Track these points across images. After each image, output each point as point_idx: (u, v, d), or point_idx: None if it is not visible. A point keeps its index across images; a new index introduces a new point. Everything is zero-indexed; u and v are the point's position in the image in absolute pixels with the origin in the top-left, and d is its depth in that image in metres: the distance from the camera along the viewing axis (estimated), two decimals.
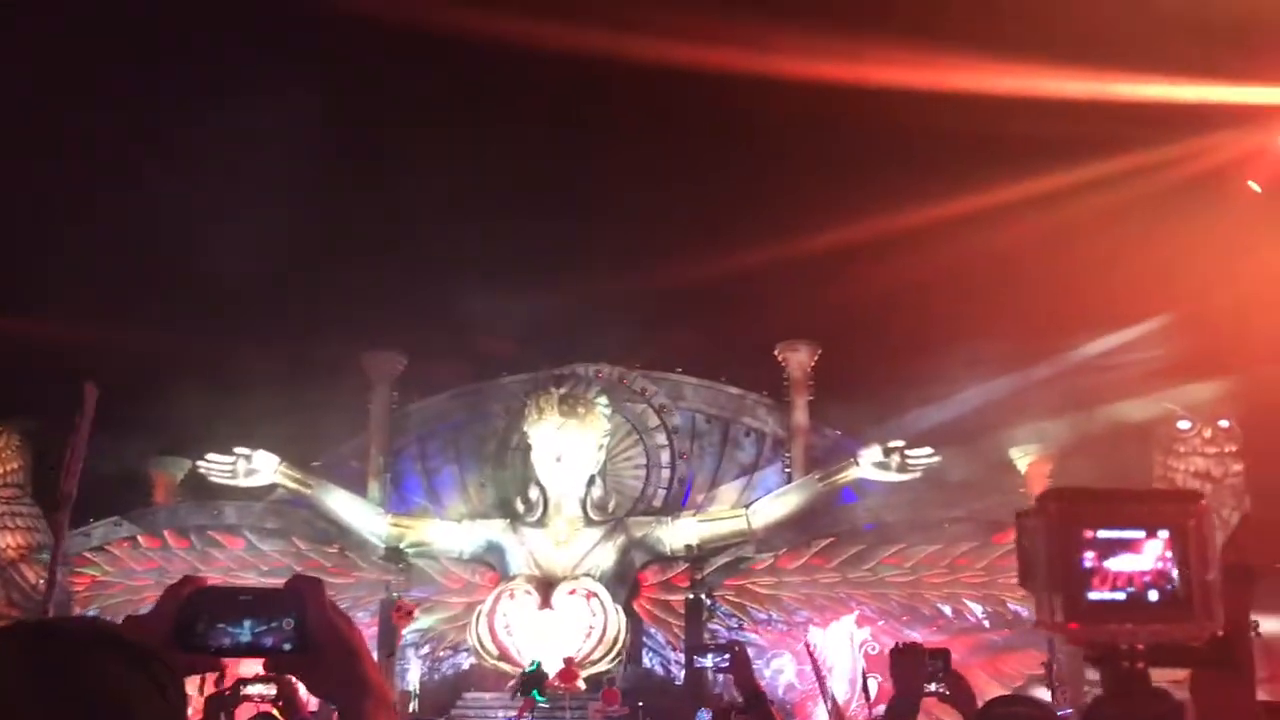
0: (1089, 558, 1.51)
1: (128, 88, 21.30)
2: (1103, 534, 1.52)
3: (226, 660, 1.50)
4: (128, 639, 1.29)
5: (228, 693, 5.28)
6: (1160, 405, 20.23)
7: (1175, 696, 1.53)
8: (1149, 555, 1.52)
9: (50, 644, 1.23)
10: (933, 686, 3.55)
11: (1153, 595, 1.51)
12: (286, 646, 1.45)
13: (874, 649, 21.29)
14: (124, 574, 22.00)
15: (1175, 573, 1.50)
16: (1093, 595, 1.51)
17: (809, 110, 19.99)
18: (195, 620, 1.45)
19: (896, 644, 3.60)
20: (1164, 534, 1.52)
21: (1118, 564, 1.52)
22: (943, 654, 3.77)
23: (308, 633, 1.45)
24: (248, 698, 5.47)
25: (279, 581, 1.55)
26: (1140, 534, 1.52)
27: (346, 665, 1.44)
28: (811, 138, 22.02)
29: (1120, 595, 1.51)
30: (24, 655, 1.20)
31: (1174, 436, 20.14)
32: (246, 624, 1.46)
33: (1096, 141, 18.45)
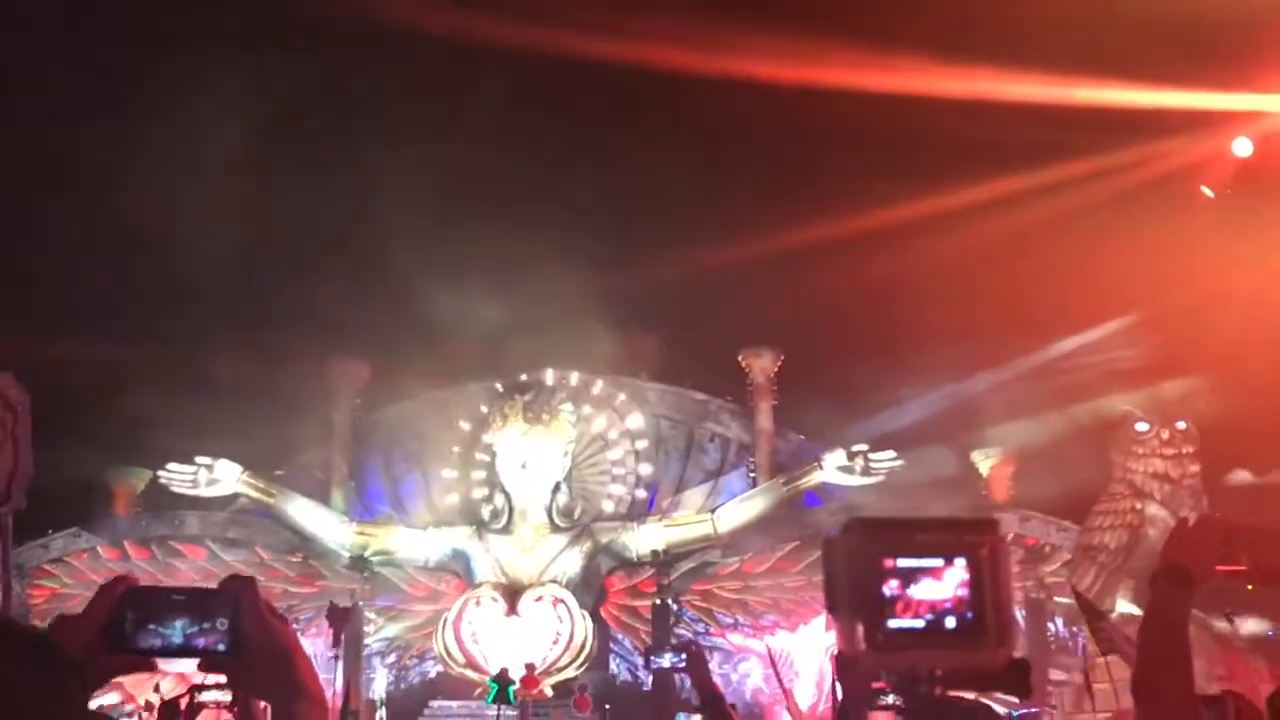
0: (891, 586, 1.55)
1: (81, 87, 21.10)
2: (903, 562, 1.57)
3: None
4: (22, 632, 1.27)
5: (182, 699, 5.24)
6: (1118, 407, 20.40)
7: (965, 702, 1.56)
8: (949, 583, 1.56)
9: None
10: (891, 699, 3.55)
11: (950, 622, 1.55)
12: (220, 647, 1.43)
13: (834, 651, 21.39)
14: (84, 586, 21.75)
15: (972, 600, 1.53)
16: (893, 623, 1.55)
17: (771, 114, 20.11)
18: (125, 621, 1.43)
19: (841, 651, 3.63)
20: (960, 562, 1.56)
21: (920, 591, 1.56)
22: None
23: (241, 633, 1.43)
24: (203, 704, 5.43)
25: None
26: (939, 562, 1.56)
27: (280, 666, 1.43)
28: (774, 141, 22.15)
29: (919, 623, 1.56)
30: None
31: (1132, 438, 20.27)
32: (178, 624, 1.43)
33: (1053, 146, 18.60)
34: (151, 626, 1.44)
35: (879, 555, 1.55)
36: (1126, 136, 18.53)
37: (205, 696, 5.17)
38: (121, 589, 1.46)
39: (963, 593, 1.55)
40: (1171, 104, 17.79)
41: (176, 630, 1.44)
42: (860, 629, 1.55)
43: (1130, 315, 20.17)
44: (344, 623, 9.54)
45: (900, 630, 1.54)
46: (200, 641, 1.45)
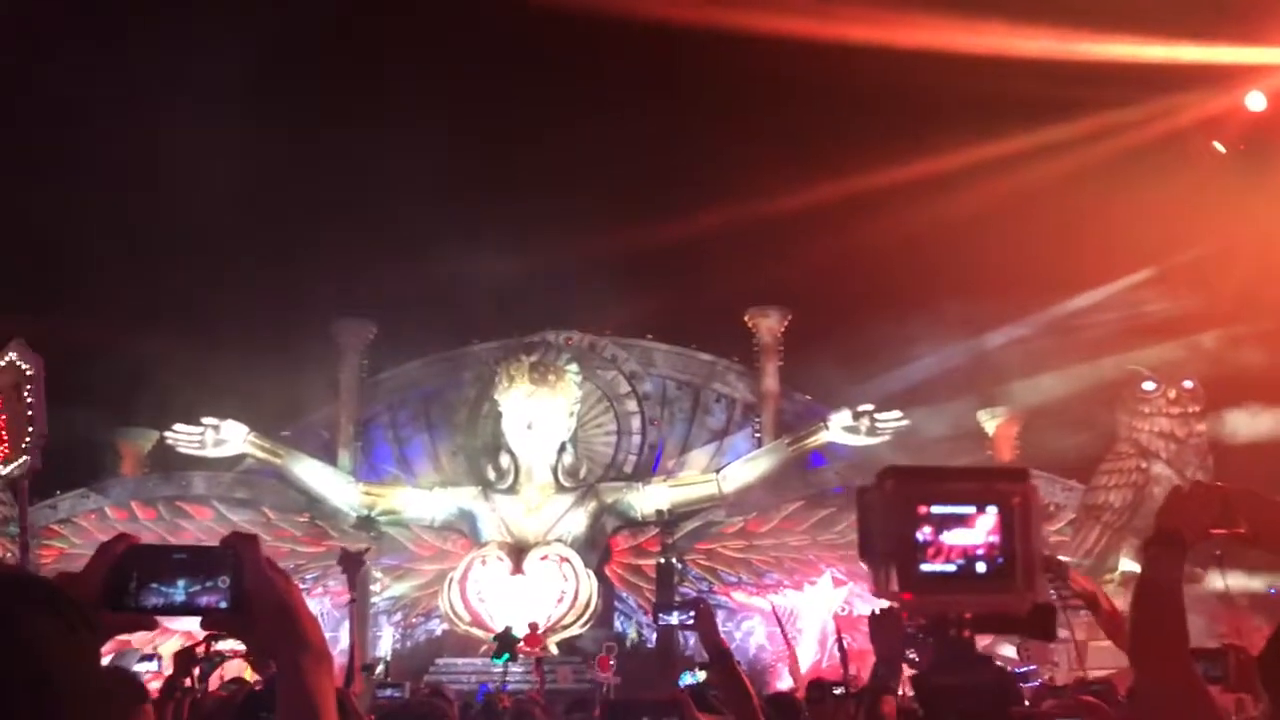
0: (924, 532, 1.55)
1: (95, 46, 20.93)
2: (936, 509, 1.57)
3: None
4: (36, 582, 1.26)
5: (198, 647, 5.28)
6: (1125, 366, 20.36)
7: (998, 664, 1.56)
8: (980, 530, 1.57)
9: None
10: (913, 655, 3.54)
11: (981, 568, 1.57)
12: (221, 604, 1.43)
13: (844, 611, 21.50)
14: (91, 546, 21.31)
15: (1003, 546, 1.53)
16: (925, 567, 1.56)
17: (777, 72, 19.91)
18: (127, 579, 1.43)
19: (874, 610, 3.62)
20: (992, 510, 1.57)
21: (952, 538, 1.57)
22: None
23: (242, 590, 1.43)
24: (219, 653, 5.49)
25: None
26: (971, 509, 1.57)
27: (283, 621, 1.43)
28: (780, 100, 21.95)
29: (951, 567, 1.57)
30: None
31: (1139, 397, 20.25)
32: (180, 583, 1.43)
33: (1061, 102, 18.42)
34: (153, 585, 1.44)
35: (913, 502, 1.56)
36: (1137, 91, 18.33)
37: (222, 645, 5.21)
38: (122, 547, 1.45)
39: (994, 539, 1.56)
40: (1183, 58, 17.57)
41: (179, 588, 1.44)
42: (894, 573, 1.56)
43: (1141, 272, 20.06)
44: (358, 567, 9.59)
45: (932, 574, 1.55)
46: (202, 599, 1.45)
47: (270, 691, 1.88)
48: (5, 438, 8.81)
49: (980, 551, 1.54)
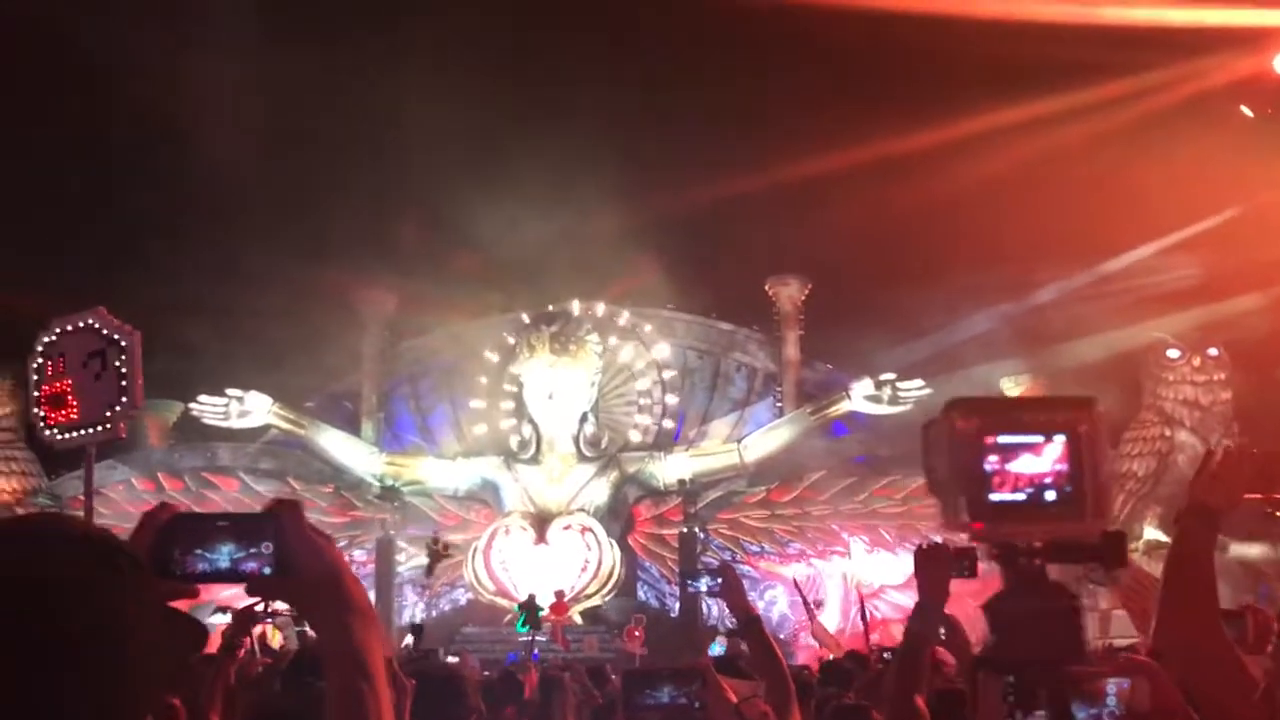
0: (991, 461, 1.56)
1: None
2: (1003, 439, 1.58)
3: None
4: (88, 531, 1.29)
5: (257, 607, 5.39)
6: (1150, 333, 20.23)
7: (1071, 591, 1.57)
8: (1047, 458, 1.57)
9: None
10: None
11: (1050, 496, 1.57)
12: (266, 570, 1.45)
13: (867, 583, 21.54)
14: (119, 517, 22.00)
15: (1071, 475, 1.54)
16: (994, 496, 1.57)
17: (797, 36, 19.76)
18: (172, 546, 1.45)
19: (920, 544, 3.51)
20: (1060, 438, 1.57)
21: (1019, 466, 1.58)
22: (969, 553, 3.68)
23: (287, 555, 1.45)
24: (278, 611, 5.58)
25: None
26: (1038, 438, 1.57)
27: (328, 585, 1.46)
28: (800, 64, 21.77)
29: (1020, 496, 1.57)
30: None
31: (1163, 365, 20.14)
32: (224, 549, 1.45)
33: (1087, 66, 18.23)
34: (198, 552, 1.45)
35: (980, 433, 1.56)
36: (1163, 55, 18.13)
37: (279, 604, 5.34)
38: (166, 515, 1.47)
39: (1061, 467, 1.56)
40: (1209, 21, 17.36)
41: (223, 555, 1.46)
42: (963, 503, 1.56)
43: (1167, 238, 19.90)
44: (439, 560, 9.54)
45: (1001, 503, 1.56)
46: (247, 565, 1.46)
47: (314, 656, 1.91)
48: (74, 403, 8.87)
49: (1049, 480, 1.55)
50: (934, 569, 3.25)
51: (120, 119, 21.36)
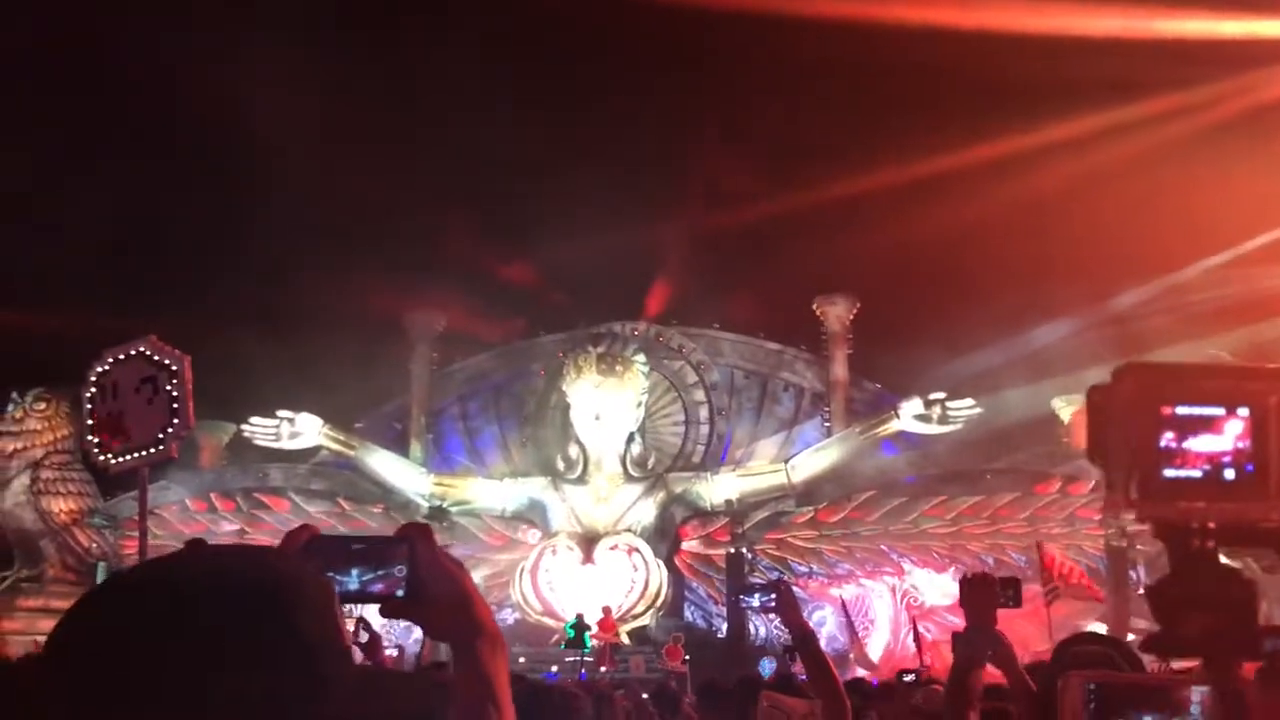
0: (1166, 436, 1.43)
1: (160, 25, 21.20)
2: (1181, 410, 1.45)
3: None
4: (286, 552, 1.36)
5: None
6: (1205, 351, 19.92)
7: (1246, 575, 1.47)
8: (1229, 435, 1.44)
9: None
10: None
11: (1229, 474, 1.44)
12: (398, 593, 1.49)
13: (915, 601, 21.32)
14: (172, 537, 22.29)
15: (1254, 451, 1.44)
16: (1168, 472, 1.43)
17: (845, 55, 19.74)
18: (310, 566, 1.46)
19: (965, 574, 3.54)
20: (1244, 412, 1.45)
21: (1196, 444, 1.44)
22: (1014, 583, 3.72)
23: (419, 579, 1.48)
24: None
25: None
26: (1220, 411, 1.45)
27: (459, 609, 1.49)
28: (848, 84, 21.75)
29: (1196, 473, 1.44)
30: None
31: None
32: (354, 572, 1.49)
33: (1136, 81, 18.10)
34: (331, 574, 1.47)
35: (1156, 403, 1.43)
36: (1213, 69, 17.98)
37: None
38: (306, 535, 1.50)
39: (1244, 444, 1.43)
40: (1262, 33, 17.20)
41: (352, 577, 1.49)
42: (1134, 478, 1.43)
43: (1220, 255, 19.64)
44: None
45: (1176, 479, 1.43)
46: (378, 587, 1.49)
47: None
48: (127, 428, 9.02)
49: (1228, 458, 1.42)
50: (980, 598, 3.31)
51: (176, 141, 21.72)
